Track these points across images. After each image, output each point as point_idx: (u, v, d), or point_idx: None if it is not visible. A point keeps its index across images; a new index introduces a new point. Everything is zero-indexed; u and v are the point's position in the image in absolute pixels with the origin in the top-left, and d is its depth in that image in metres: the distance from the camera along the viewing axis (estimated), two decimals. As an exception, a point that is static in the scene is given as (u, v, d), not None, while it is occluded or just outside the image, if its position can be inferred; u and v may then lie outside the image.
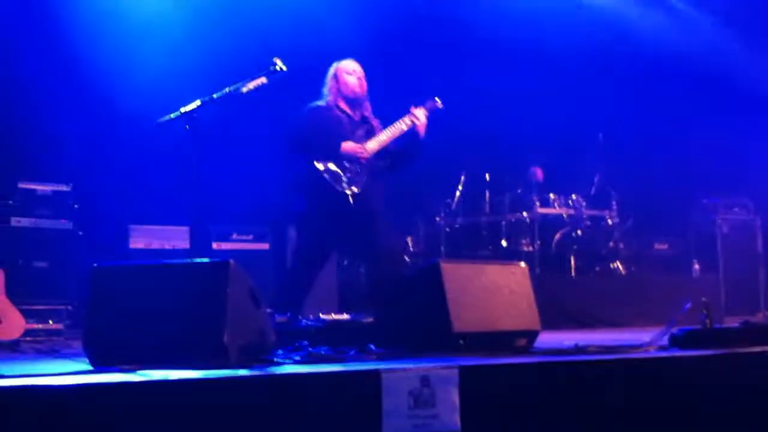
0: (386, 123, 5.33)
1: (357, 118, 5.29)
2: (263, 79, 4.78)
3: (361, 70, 5.30)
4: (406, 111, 5.30)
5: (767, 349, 3.67)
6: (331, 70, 5.31)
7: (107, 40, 7.25)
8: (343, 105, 5.27)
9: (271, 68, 4.85)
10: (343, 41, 7.59)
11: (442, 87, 8.34)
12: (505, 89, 8.78)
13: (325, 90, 5.26)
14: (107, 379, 2.69)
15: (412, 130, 5.24)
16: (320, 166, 5.06)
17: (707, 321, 4.06)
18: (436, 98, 5.36)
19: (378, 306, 4.63)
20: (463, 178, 8.57)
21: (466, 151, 8.65)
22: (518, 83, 8.74)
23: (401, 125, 5.23)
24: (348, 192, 5.03)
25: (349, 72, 5.26)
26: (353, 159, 5.10)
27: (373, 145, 5.19)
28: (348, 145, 5.11)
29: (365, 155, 5.12)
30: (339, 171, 5.06)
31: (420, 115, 5.21)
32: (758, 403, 3.38)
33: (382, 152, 5.22)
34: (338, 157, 5.08)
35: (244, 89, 4.68)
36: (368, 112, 5.35)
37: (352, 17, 8.02)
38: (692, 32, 9.20)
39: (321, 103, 5.27)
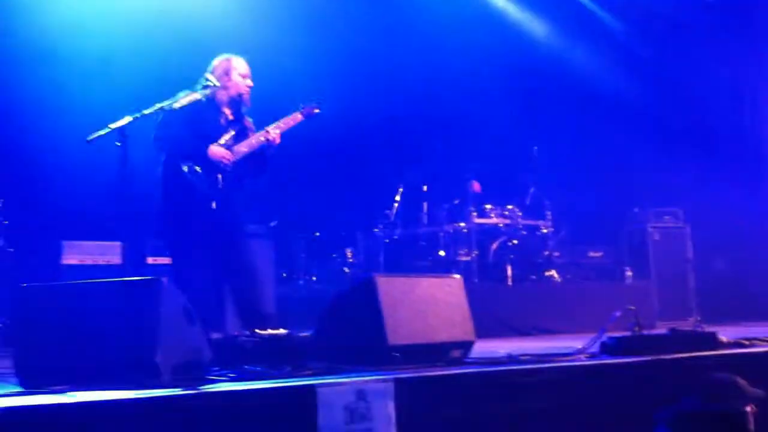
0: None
1: (231, 117, 5.07)
2: (196, 95, 4.74)
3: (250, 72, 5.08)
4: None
5: (692, 355, 3.80)
6: (224, 64, 5.03)
7: (36, 53, 7.12)
8: (223, 102, 5.03)
9: (204, 83, 4.82)
10: (282, 56, 7.63)
11: (379, 99, 8.50)
12: (442, 103, 8.90)
13: (211, 80, 4.92)
14: (38, 401, 2.65)
15: (268, 144, 4.99)
16: (185, 168, 4.82)
17: (636, 328, 4.18)
18: (316, 107, 5.11)
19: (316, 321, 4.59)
20: (401, 189, 8.64)
21: (404, 163, 8.73)
22: (456, 98, 8.88)
23: (260, 137, 4.98)
24: (212, 202, 4.83)
25: (244, 75, 5.03)
26: (219, 165, 4.88)
27: (242, 148, 4.96)
28: (216, 150, 4.87)
29: (231, 159, 4.90)
30: (204, 175, 4.84)
31: (274, 133, 4.95)
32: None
33: (249, 157, 4.99)
34: (205, 161, 4.85)
35: (177, 105, 4.64)
36: (244, 111, 5.11)
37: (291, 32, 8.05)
38: (625, 55, 9.54)
39: (200, 96, 4.90)
